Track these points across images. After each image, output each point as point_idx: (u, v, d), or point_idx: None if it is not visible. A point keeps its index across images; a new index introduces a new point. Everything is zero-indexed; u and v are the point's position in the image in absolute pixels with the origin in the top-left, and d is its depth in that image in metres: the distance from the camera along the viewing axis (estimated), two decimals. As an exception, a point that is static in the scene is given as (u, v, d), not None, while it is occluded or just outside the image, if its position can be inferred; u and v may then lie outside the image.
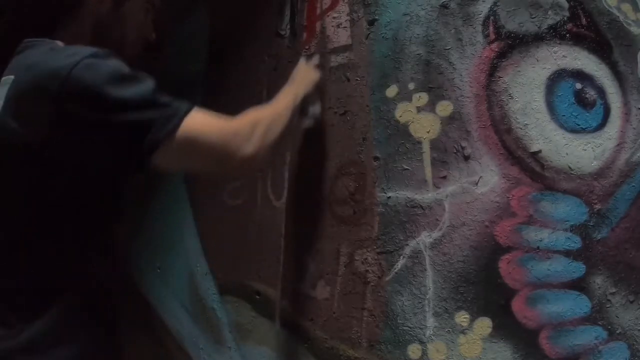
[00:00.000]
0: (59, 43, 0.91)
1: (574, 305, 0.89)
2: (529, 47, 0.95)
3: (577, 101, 0.94)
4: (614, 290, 0.90)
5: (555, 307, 0.88)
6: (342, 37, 1.14)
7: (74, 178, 0.85)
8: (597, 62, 0.96)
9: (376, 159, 1.04)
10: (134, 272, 1.66)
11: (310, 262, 1.13)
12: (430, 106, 0.99)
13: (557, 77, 0.94)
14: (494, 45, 0.96)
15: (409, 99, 1.01)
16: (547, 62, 0.95)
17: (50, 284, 0.86)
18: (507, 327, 0.89)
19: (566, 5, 0.97)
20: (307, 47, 1.21)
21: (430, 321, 0.94)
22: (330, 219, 1.11)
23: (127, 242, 1.69)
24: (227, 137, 0.87)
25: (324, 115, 1.14)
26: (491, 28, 0.97)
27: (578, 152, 0.92)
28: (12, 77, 0.87)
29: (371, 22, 1.09)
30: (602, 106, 0.95)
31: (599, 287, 0.89)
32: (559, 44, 0.95)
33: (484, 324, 0.90)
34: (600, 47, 0.97)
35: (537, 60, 0.95)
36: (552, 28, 0.96)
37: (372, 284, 1.01)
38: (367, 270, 1.02)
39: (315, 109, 1.12)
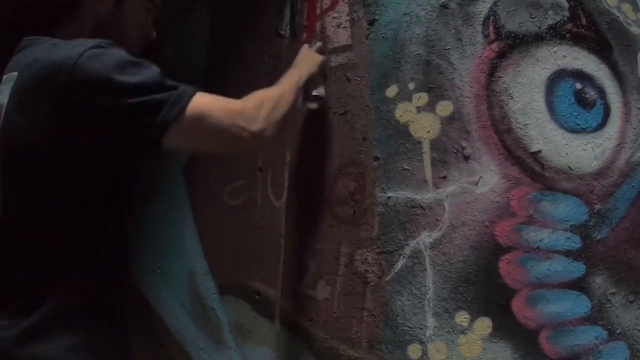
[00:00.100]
0: (60, 40, 0.91)
1: (574, 305, 0.89)
2: (529, 47, 0.95)
3: (577, 101, 0.94)
4: (614, 290, 0.90)
5: (555, 307, 0.88)
6: (342, 37, 1.14)
7: (81, 172, 0.85)
8: (597, 62, 0.96)
9: (376, 159, 1.04)
10: (134, 272, 1.66)
11: (310, 262, 1.13)
12: (430, 106, 0.99)
13: (557, 77, 0.94)
14: (494, 45, 0.96)
15: (409, 99, 1.01)
16: (547, 62, 0.95)
17: (51, 277, 0.86)
18: (507, 327, 0.89)
19: (566, 5, 0.97)
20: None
21: (430, 321, 0.94)
22: (330, 219, 1.11)
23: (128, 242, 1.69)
24: (235, 115, 0.88)
25: (324, 115, 1.14)
26: (491, 28, 0.97)
27: (578, 152, 0.92)
28: (15, 74, 0.87)
29: (371, 22, 1.09)
30: (602, 106, 0.95)
31: (599, 287, 0.89)
32: (559, 44, 0.95)
33: (484, 324, 0.90)
34: (600, 47, 0.97)
35: (537, 60, 0.95)
36: (552, 28, 0.96)
37: (372, 284, 1.01)
38: (367, 270, 1.02)
39: (319, 90, 1.12)
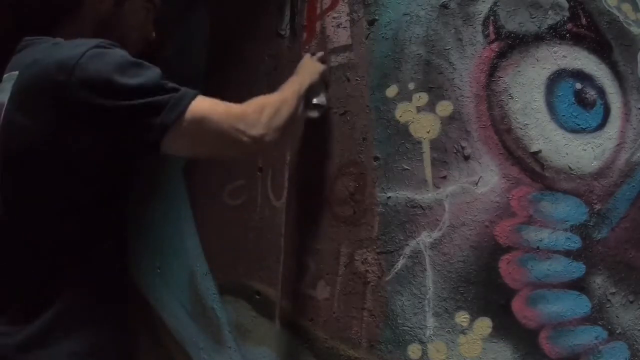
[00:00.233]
0: (61, 40, 0.91)
1: (574, 305, 0.89)
2: (529, 47, 0.95)
3: (577, 101, 0.94)
4: (614, 290, 0.90)
5: (555, 307, 0.88)
6: (342, 37, 1.14)
7: (82, 172, 0.85)
8: (597, 62, 0.96)
9: (376, 159, 1.04)
10: (134, 272, 1.66)
11: (310, 262, 1.13)
12: (430, 106, 0.99)
13: (557, 77, 0.94)
14: (494, 45, 0.96)
15: (409, 99, 1.01)
16: (547, 62, 0.95)
17: (51, 279, 0.86)
18: (507, 327, 0.89)
19: (566, 5, 0.97)
20: (307, 47, 1.21)
21: (430, 321, 0.94)
22: (330, 219, 1.11)
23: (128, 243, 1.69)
24: (235, 119, 0.88)
25: (324, 115, 1.14)
26: (491, 28, 0.97)
27: (578, 152, 0.92)
28: (15, 73, 0.87)
29: (371, 22, 1.09)
30: (602, 106, 0.95)
31: (599, 287, 0.89)
32: (559, 44, 0.95)
33: (484, 324, 0.90)
34: (600, 47, 0.97)
35: (537, 60, 0.95)
36: (552, 28, 0.96)
37: (372, 284, 1.01)
38: (367, 270, 1.02)
39: (320, 99, 1.12)
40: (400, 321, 0.97)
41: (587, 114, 0.94)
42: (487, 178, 0.93)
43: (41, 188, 0.85)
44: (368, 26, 1.09)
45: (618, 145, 0.94)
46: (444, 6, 1.00)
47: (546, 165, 0.92)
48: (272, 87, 1.03)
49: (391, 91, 1.04)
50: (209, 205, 1.46)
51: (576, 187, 0.92)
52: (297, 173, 1.21)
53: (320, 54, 1.16)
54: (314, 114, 1.12)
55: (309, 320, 1.12)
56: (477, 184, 0.93)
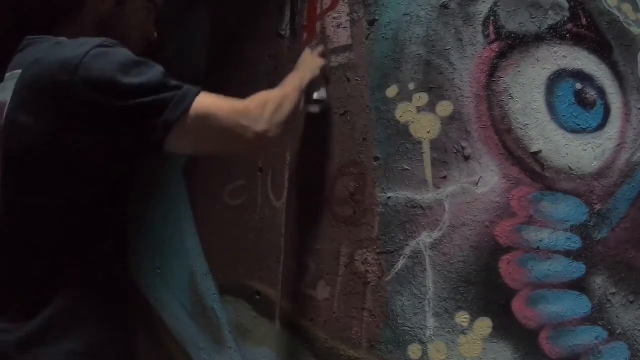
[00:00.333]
0: (64, 39, 0.91)
1: (574, 305, 0.89)
2: (529, 47, 0.95)
3: (577, 101, 0.94)
4: (614, 290, 0.90)
5: (555, 307, 0.88)
6: (342, 37, 1.14)
7: (82, 171, 0.85)
8: (597, 62, 0.96)
9: (376, 159, 1.04)
10: (134, 272, 1.66)
11: (310, 262, 1.13)
12: (430, 106, 0.99)
13: (557, 77, 0.94)
14: (494, 45, 0.96)
15: (409, 99, 1.01)
16: (547, 62, 0.95)
17: (51, 278, 0.86)
18: (507, 327, 0.89)
19: (566, 5, 0.97)
20: (307, 47, 1.21)
21: (430, 321, 0.94)
22: (330, 219, 1.11)
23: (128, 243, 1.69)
24: (239, 115, 0.88)
25: (324, 115, 1.15)
26: (491, 28, 0.97)
27: (578, 152, 0.92)
28: (18, 71, 0.87)
29: (371, 22, 1.09)
30: (602, 106, 0.95)
31: (599, 287, 0.89)
32: (559, 44, 0.95)
33: (484, 324, 0.90)
34: (600, 47, 0.97)
35: (537, 60, 0.95)
36: (552, 28, 0.96)
37: (372, 284, 1.01)
38: (367, 270, 1.02)
39: (321, 93, 1.12)
40: (400, 321, 0.97)
41: (587, 114, 0.94)
42: (487, 178, 0.93)
43: (42, 187, 0.85)
44: (368, 26, 1.09)
45: (618, 145, 0.94)
46: (444, 6, 1.00)
47: (546, 165, 0.92)
48: (272, 87, 1.03)
49: (391, 91, 1.04)
50: (209, 205, 1.46)
51: (576, 187, 0.92)
52: (297, 173, 1.21)
53: (320, 48, 1.16)
54: (315, 108, 1.12)
55: (309, 320, 1.12)
56: (477, 184, 0.93)
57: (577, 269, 0.90)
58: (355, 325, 1.03)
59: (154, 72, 0.84)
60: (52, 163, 0.83)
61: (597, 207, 0.91)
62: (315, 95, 1.11)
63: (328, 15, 1.18)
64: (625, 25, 0.99)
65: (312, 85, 1.09)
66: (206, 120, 0.85)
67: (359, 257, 1.04)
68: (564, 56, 0.95)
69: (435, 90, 0.99)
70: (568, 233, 0.90)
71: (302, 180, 1.20)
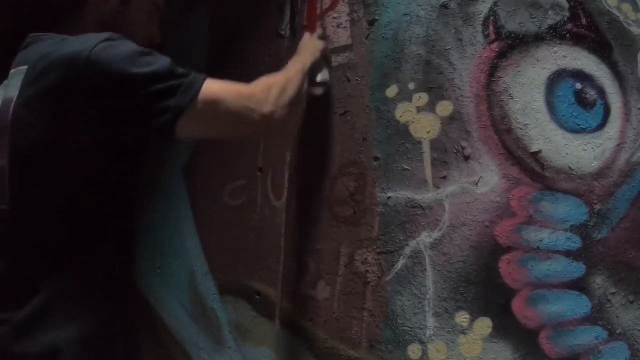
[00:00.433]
0: (68, 36, 0.91)
1: (574, 305, 0.89)
2: (529, 47, 0.95)
3: (577, 101, 0.94)
4: (614, 290, 0.90)
5: (555, 307, 0.88)
6: (342, 37, 1.14)
7: (89, 168, 0.86)
8: (597, 62, 0.96)
9: (376, 159, 1.04)
10: (134, 272, 1.66)
11: (310, 262, 1.13)
12: (430, 106, 0.99)
13: (557, 77, 0.94)
14: (494, 45, 0.96)
15: (409, 99, 1.01)
16: (547, 62, 0.95)
17: (51, 272, 0.86)
18: (507, 327, 0.89)
19: (566, 5, 0.97)
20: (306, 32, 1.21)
21: (430, 321, 0.94)
22: (330, 219, 1.11)
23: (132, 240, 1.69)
24: (245, 98, 0.91)
25: (324, 115, 1.15)
26: (491, 28, 0.97)
27: (578, 152, 0.92)
28: (24, 67, 0.87)
29: (371, 22, 1.09)
30: (602, 106, 0.95)
31: (599, 287, 0.89)
32: (559, 44, 0.95)
33: (484, 324, 0.90)
34: (600, 47, 0.97)
35: (537, 60, 0.95)
36: (552, 28, 0.96)
37: (372, 284, 1.01)
38: (367, 270, 1.02)
39: (323, 75, 1.13)
40: (400, 321, 0.97)
41: (587, 114, 0.94)
42: (487, 178, 0.93)
43: (47, 183, 0.85)
44: (368, 26, 1.09)
45: (618, 145, 0.94)
46: (444, 6, 1.00)
47: (546, 165, 0.92)
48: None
49: (391, 91, 1.04)
50: (209, 205, 1.46)
51: (576, 187, 0.92)
52: (297, 173, 1.21)
53: (319, 31, 1.17)
54: (318, 90, 1.13)
55: (309, 320, 1.12)
56: (477, 184, 0.93)
57: (577, 269, 0.90)
58: (355, 325, 1.03)
59: (162, 61, 0.86)
60: (58, 158, 0.84)
61: (597, 207, 0.91)
62: (319, 78, 1.12)
63: (328, 15, 1.18)
64: (625, 25, 0.99)
65: (314, 68, 1.10)
66: (214, 104, 0.87)
67: (359, 257, 1.04)
68: (564, 56, 0.95)
69: (435, 90, 0.99)
70: (568, 233, 0.90)
71: (302, 180, 1.20)
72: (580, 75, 0.95)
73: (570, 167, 0.92)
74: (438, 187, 0.96)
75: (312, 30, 1.21)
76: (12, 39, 0.95)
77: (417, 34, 1.02)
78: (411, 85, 1.01)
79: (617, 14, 0.99)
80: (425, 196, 0.97)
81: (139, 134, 0.88)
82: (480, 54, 0.96)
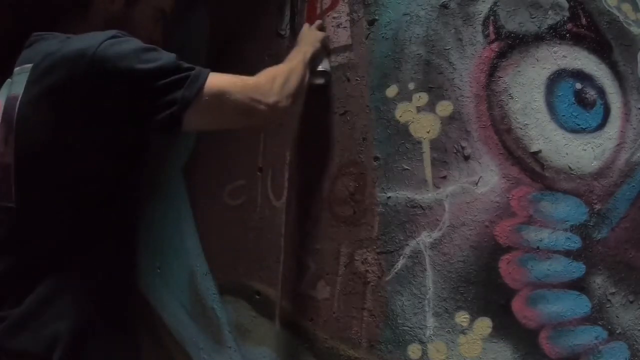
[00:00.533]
0: (73, 35, 0.92)
1: (574, 305, 0.89)
2: (529, 47, 0.95)
3: (577, 101, 0.94)
4: (614, 290, 0.90)
5: (555, 307, 0.88)
6: (342, 37, 1.14)
7: (93, 165, 0.86)
8: (597, 62, 0.96)
9: (376, 159, 1.04)
10: (135, 273, 1.66)
11: (310, 262, 1.13)
12: (430, 106, 0.99)
13: (557, 77, 0.94)
14: (494, 45, 0.96)
15: (409, 99, 1.01)
16: (547, 62, 0.95)
17: (50, 270, 0.86)
18: (507, 327, 0.89)
19: (566, 5, 0.97)
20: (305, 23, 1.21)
21: (430, 321, 0.94)
22: (330, 219, 1.11)
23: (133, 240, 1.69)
24: (251, 89, 0.92)
25: (324, 115, 1.15)
26: (491, 28, 0.97)
27: (578, 152, 0.92)
28: (29, 65, 0.88)
29: (371, 22, 1.09)
30: (602, 106, 0.95)
31: (599, 287, 0.89)
32: (559, 44, 0.95)
33: (484, 324, 0.90)
34: (600, 47, 0.97)
35: (537, 60, 0.95)
36: (552, 28, 0.96)
37: (372, 284, 1.01)
38: (367, 270, 1.02)
39: (325, 65, 1.14)
40: (400, 321, 0.97)
41: (587, 114, 0.94)
42: (487, 178, 0.93)
43: (51, 182, 0.86)
44: (368, 26, 1.09)
45: (618, 145, 0.94)
46: (444, 6, 1.00)
47: (546, 165, 0.92)
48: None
49: (391, 91, 1.04)
50: (209, 205, 1.46)
51: (576, 187, 0.92)
52: (297, 173, 1.21)
53: (318, 22, 1.18)
54: (320, 80, 1.14)
55: (309, 320, 1.12)
56: (477, 184, 0.93)
57: (577, 269, 0.90)
58: (355, 325, 1.03)
59: (167, 56, 0.87)
60: (61, 157, 0.84)
61: (597, 207, 0.91)
62: (320, 68, 1.13)
63: (328, 15, 1.18)
64: (625, 25, 0.99)
65: (315, 59, 1.10)
66: (220, 96, 0.88)
67: (359, 257, 1.04)
68: (564, 56, 0.95)
69: (435, 90, 0.99)
70: (568, 233, 0.90)
71: (302, 180, 1.20)
72: (580, 75, 0.95)
73: (570, 167, 0.92)
74: (438, 187, 0.96)
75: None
76: (13, 38, 0.95)
77: (417, 34, 1.02)
78: (411, 85, 1.01)
79: (617, 14, 0.99)
80: (425, 196, 0.97)
81: (145, 130, 0.89)
82: (480, 54, 0.96)
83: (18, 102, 0.86)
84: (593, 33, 0.97)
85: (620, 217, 0.92)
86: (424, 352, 0.94)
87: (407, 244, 0.98)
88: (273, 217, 1.25)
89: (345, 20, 1.14)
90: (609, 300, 0.89)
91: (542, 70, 0.94)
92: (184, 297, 1.50)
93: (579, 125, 0.93)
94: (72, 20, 0.96)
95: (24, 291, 0.85)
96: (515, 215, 0.91)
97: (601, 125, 0.94)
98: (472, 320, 0.91)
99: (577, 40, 0.96)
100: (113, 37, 0.85)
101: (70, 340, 0.83)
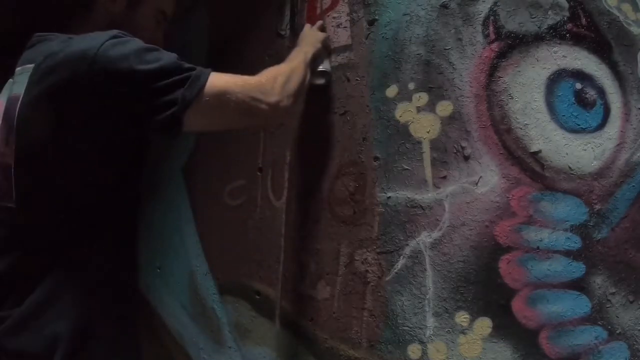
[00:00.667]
0: (74, 35, 0.92)
1: (574, 305, 0.89)
2: (529, 47, 0.95)
3: (577, 101, 0.94)
4: (614, 290, 0.90)
5: (555, 307, 0.88)
6: (342, 37, 1.14)
7: (93, 164, 0.86)
8: (597, 62, 0.96)
9: (376, 159, 1.04)
10: (137, 273, 1.66)
11: (310, 262, 1.13)
12: (430, 106, 0.99)
13: (557, 77, 0.94)
14: (494, 45, 0.96)
15: (409, 99, 1.01)
16: (547, 62, 0.95)
17: (51, 268, 0.86)
18: (507, 327, 0.89)
19: (566, 5, 0.97)
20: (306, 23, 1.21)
21: (430, 321, 0.94)
22: (330, 219, 1.11)
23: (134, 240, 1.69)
24: (252, 89, 0.92)
25: (324, 115, 1.15)
26: (491, 28, 0.97)
27: (578, 152, 0.92)
28: (30, 66, 0.88)
29: (371, 22, 1.09)
30: (602, 106, 0.95)
31: (599, 287, 0.89)
32: (559, 44, 0.95)
33: (484, 324, 0.90)
34: (600, 47, 0.97)
35: (537, 60, 0.95)
36: (552, 28, 0.96)
37: (372, 284, 1.01)
38: (367, 270, 1.02)
39: (325, 65, 1.14)
40: (400, 321, 0.97)
41: (587, 114, 0.94)
42: (487, 178, 0.93)
43: (51, 182, 0.86)
44: (368, 26, 1.09)
45: (618, 145, 0.94)
46: (444, 6, 1.00)
47: (546, 165, 0.92)
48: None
49: (391, 91, 1.04)
50: (209, 205, 1.46)
51: (576, 187, 0.92)
52: (297, 173, 1.21)
53: (319, 22, 1.17)
54: (321, 80, 1.14)
55: (309, 320, 1.12)
56: (477, 184, 0.93)
57: (577, 269, 0.90)
58: (355, 325, 1.03)
59: (169, 57, 0.87)
60: (62, 157, 0.84)
61: (597, 207, 0.91)
62: (321, 67, 1.13)
63: (328, 15, 1.18)
64: (625, 25, 0.99)
65: (316, 59, 1.11)
66: (222, 95, 0.88)
67: (359, 257, 1.04)
68: (564, 56, 0.95)
69: (435, 90, 0.99)
70: (568, 233, 0.90)
71: (302, 180, 1.20)
72: (580, 75, 0.95)
73: (570, 167, 0.92)
74: (438, 187, 0.96)
75: (312, 30, 1.21)
76: (15, 39, 0.95)
77: (417, 34, 1.02)
78: (411, 85, 1.01)
79: (617, 14, 0.99)
80: (425, 196, 0.97)
81: (146, 130, 0.89)
82: (480, 54, 0.96)
83: (19, 103, 0.86)
84: (593, 33, 0.97)
85: (620, 217, 0.92)
86: (424, 352, 0.94)
87: (407, 244, 0.98)
88: (273, 217, 1.25)
89: (345, 20, 1.14)
90: (609, 300, 0.89)
91: (542, 70, 0.94)
92: (184, 297, 1.50)
93: (579, 125, 0.93)
94: (74, 21, 0.97)
95: (24, 291, 0.85)
96: (515, 215, 0.91)
97: (601, 125, 0.94)
98: (472, 320, 0.91)
99: (577, 40, 0.96)
100: (114, 37, 0.85)
101: (70, 340, 0.83)
